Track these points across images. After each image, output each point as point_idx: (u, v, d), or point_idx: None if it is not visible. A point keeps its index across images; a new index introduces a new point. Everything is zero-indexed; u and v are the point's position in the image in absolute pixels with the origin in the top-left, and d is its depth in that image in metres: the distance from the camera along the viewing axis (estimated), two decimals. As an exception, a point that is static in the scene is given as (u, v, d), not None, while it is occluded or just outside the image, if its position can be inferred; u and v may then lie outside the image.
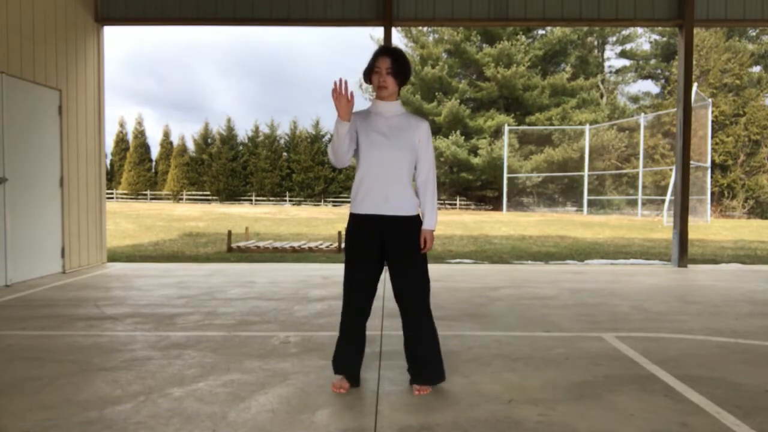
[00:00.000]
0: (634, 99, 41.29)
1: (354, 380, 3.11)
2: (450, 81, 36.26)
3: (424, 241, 3.01)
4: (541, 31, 37.56)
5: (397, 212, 2.97)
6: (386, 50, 3.03)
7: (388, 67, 2.97)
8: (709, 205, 24.38)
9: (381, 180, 2.95)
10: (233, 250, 10.34)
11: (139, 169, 50.55)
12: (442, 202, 39.30)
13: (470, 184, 36.96)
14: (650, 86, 54.96)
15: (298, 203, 46.06)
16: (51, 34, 7.19)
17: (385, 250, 3.00)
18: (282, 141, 49.33)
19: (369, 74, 3.03)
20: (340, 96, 2.82)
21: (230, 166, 47.70)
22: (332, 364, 3.14)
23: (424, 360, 3.05)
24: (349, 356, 3.09)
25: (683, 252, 8.56)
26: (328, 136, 48.68)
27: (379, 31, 8.66)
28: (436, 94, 35.87)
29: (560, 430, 2.57)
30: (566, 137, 34.35)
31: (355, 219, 3.03)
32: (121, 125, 52.23)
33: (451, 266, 8.65)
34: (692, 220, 15.69)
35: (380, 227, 2.98)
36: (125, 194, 49.62)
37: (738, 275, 7.82)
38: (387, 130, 3.00)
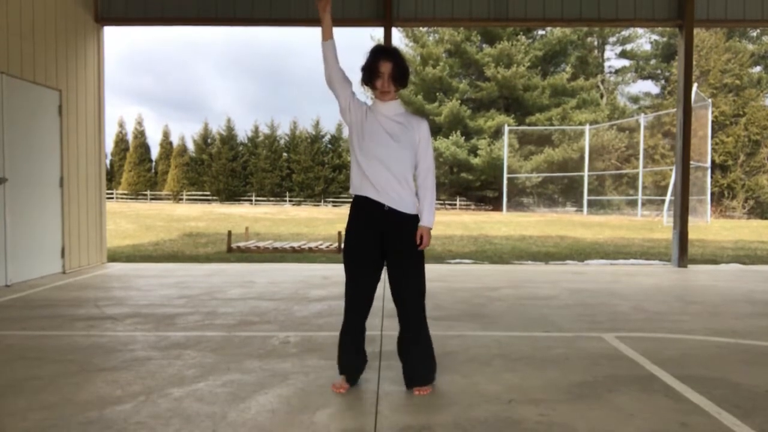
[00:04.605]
0: (634, 99, 41.32)
1: (353, 381, 3.13)
2: (450, 81, 36.26)
3: (420, 238, 3.00)
4: (541, 32, 37.56)
5: (397, 207, 2.97)
6: (387, 53, 3.00)
7: (391, 72, 2.96)
8: (709, 206, 24.38)
9: (382, 178, 2.95)
10: (233, 251, 10.33)
11: (139, 169, 50.58)
12: (441, 202, 39.30)
13: (470, 185, 36.96)
14: (650, 86, 55.04)
15: (298, 203, 46.06)
16: (51, 34, 7.19)
17: (385, 248, 3.00)
18: (282, 141, 49.36)
19: (369, 76, 3.01)
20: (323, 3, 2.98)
21: (230, 166, 47.71)
22: (338, 365, 3.13)
23: (421, 359, 3.06)
24: (351, 356, 3.10)
25: (683, 252, 8.55)
26: (329, 136, 48.72)
27: (379, 31, 8.65)
28: (437, 94, 35.87)
29: (560, 430, 2.57)
30: (566, 137, 34.35)
31: (357, 202, 3.02)
32: (121, 125, 52.33)
33: (451, 266, 8.65)
34: (692, 221, 15.69)
35: (380, 218, 2.97)
36: (125, 194, 49.63)
37: (738, 275, 7.82)
38: (389, 129, 2.99)
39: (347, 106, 3.03)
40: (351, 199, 3.09)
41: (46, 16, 7.08)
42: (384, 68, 2.96)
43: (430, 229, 3.02)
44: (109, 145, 52.05)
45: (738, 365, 3.56)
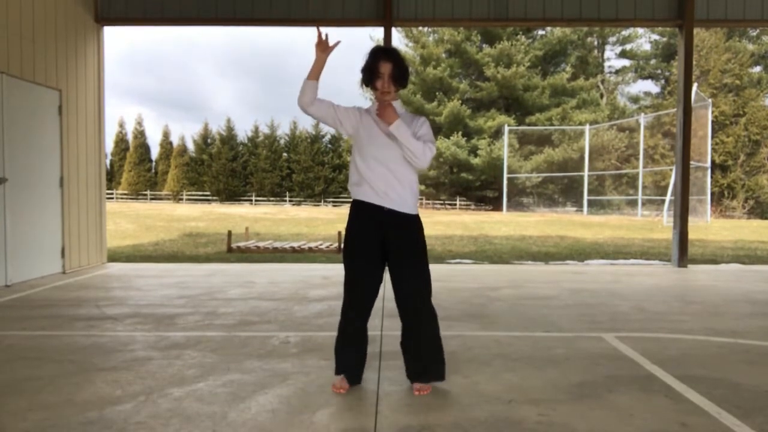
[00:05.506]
0: (634, 99, 41.32)
1: (355, 379, 3.12)
2: (450, 81, 36.26)
3: (385, 112, 2.88)
4: (541, 32, 37.56)
5: (397, 208, 2.97)
6: (386, 53, 2.99)
7: (391, 73, 2.96)
8: (709, 205, 24.38)
9: (382, 181, 2.95)
10: (233, 251, 10.33)
11: (139, 169, 50.61)
12: (442, 202, 39.29)
13: (470, 185, 36.96)
14: (650, 86, 55.04)
15: (298, 203, 46.07)
16: (51, 34, 7.19)
17: (386, 249, 3.00)
18: (282, 141, 49.39)
19: (369, 77, 3.00)
20: (324, 45, 2.92)
21: (230, 166, 47.73)
22: (335, 364, 3.13)
23: (424, 361, 3.06)
24: (349, 356, 3.09)
25: (683, 252, 8.55)
26: (329, 136, 48.72)
27: (379, 31, 8.65)
28: (437, 94, 35.88)
29: (560, 430, 2.57)
30: (566, 137, 34.35)
31: (357, 205, 3.01)
32: (121, 125, 52.37)
33: (451, 266, 8.65)
34: (692, 221, 15.69)
35: (380, 220, 2.96)
36: (125, 194, 49.64)
37: (738, 275, 7.81)
38: (387, 130, 2.99)
39: (336, 122, 3.01)
40: (351, 199, 3.09)
41: (46, 16, 7.08)
42: (384, 69, 2.96)
43: (393, 117, 2.87)
44: (109, 145, 52.16)
45: (738, 365, 3.56)
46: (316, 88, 2.95)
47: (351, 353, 3.09)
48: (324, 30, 2.95)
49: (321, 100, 2.97)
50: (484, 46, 37.11)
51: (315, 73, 2.93)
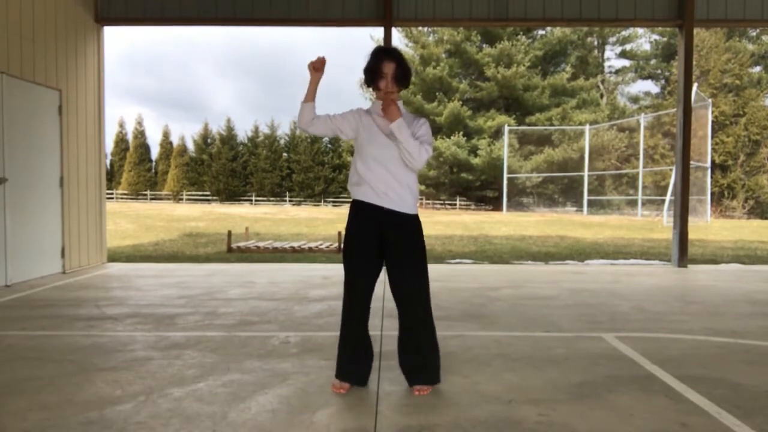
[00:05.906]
0: (634, 99, 41.32)
1: (361, 381, 3.12)
2: (450, 81, 36.26)
3: (390, 109, 2.91)
4: (541, 32, 37.56)
5: (396, 208, 2.97)
6: (389, 54, 3.00)
7: (394, 73, 2.97)
8: (709, 205, 24.38)
9: (382, 182, 2.95)
10: (233, 251, 10.33)
11: (139, 169, 50.63)
12: (442, 202, 39.29)
13: (470, 185, 36.96)
14: (650, 86, 55.03)
15: (298, 203, 46.07)
16: (51, 34, 7.19)
17: (385, 249, 3.00)
18: (282, 141, 49.40)
19: (372, 77, 3.01)
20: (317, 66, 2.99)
21: (230, 166, 47.75)
22: (336, 368, 3.11)
23: (423, 361, 3.05)
24: (352, 364, 3.07)
25: (683, 252, 8.55)
26: (328, 136, 48.68)
27: (379, 31, 8.65)
28: (437, 94, 35.88)
29: (560, 430, 2.57)
30: (566, 137, 34.35)
31: (357, 205, 3.02)
32: (121, 125, 52.41)
33: (451, 266, 8.65)
34: (692, 221, 15.69)
35: (380, 220, 2.96)
36: (125, 194, 49.65)
37: (738, 275, 7.82)
38: (389, 130, 2.99)
39: (337, 131, 3.06)
40: (351, 199, 3.09)
41: (46, 16, 7.08)
42: (387, 69, 2.97)
43: (396, 115, 2.89)
44: (109, 145, 52.20)
45: (738, 365, 3.56)
46: (314, 108, 3.02)
47: (354, 361, 3.07)
48: (323, 56, 3.02)
49: (318, 117, 3.03)
50: (484, 46, 37.10)
51: (311, 94, 3.00)
